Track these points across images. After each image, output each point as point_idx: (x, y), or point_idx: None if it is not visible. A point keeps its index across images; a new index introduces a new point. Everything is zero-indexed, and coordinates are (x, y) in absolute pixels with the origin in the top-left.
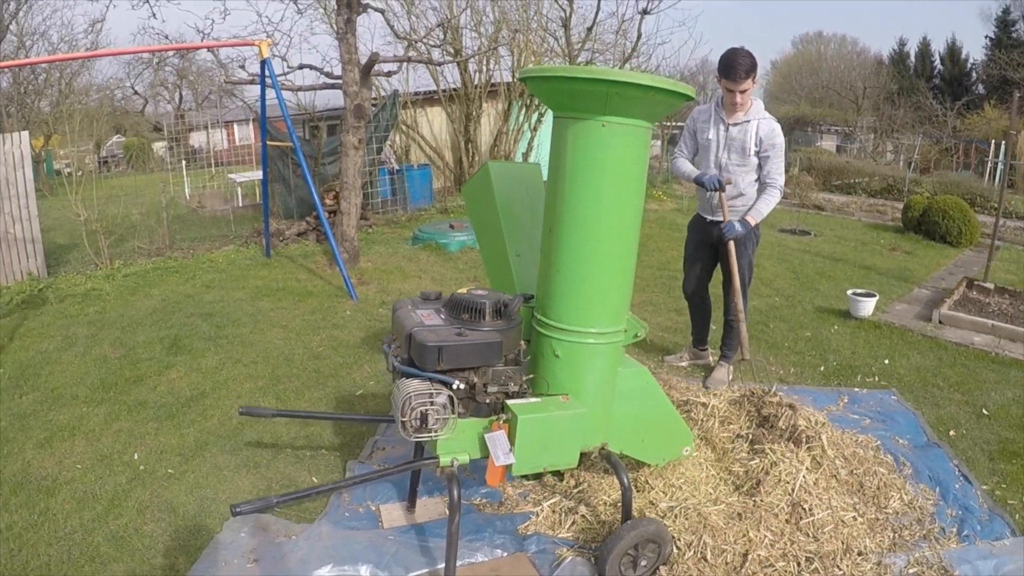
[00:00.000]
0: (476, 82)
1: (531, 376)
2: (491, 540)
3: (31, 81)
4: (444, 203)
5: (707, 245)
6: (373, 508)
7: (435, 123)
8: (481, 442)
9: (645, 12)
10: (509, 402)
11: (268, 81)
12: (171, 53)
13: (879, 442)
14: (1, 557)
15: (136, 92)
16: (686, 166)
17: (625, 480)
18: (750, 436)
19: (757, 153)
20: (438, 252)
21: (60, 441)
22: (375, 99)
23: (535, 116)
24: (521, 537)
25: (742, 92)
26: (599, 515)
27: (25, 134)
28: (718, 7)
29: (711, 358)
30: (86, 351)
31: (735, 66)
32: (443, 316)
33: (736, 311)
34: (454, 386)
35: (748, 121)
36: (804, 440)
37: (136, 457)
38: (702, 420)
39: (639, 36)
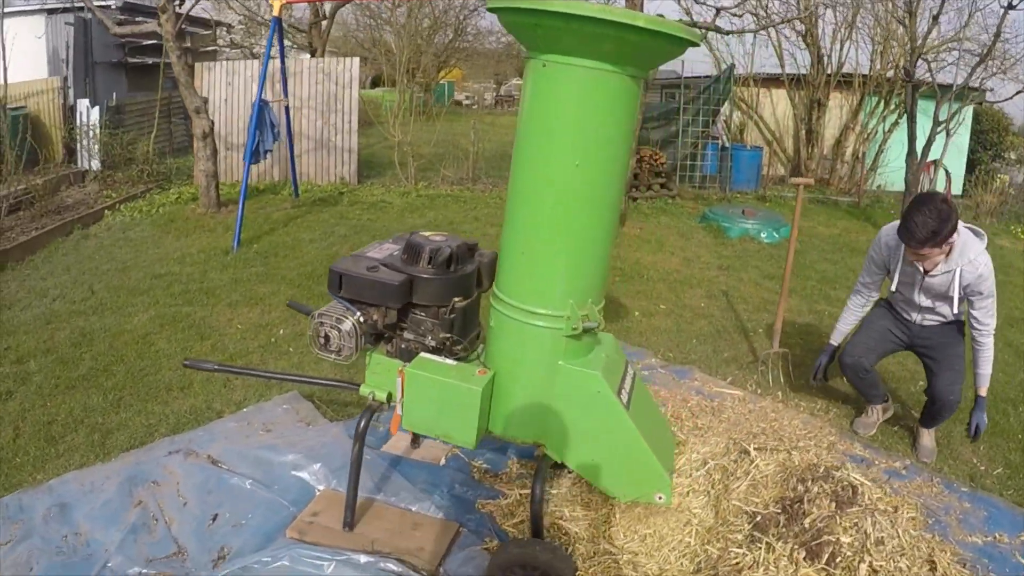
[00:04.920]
0: (829, 70)
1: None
2: (439, 500)
3: (430, 15)
4: (765, 190)
5: (900, 335)
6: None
7: (779, 106)
8: None
9: (1010, 7)
10: (422, 354)
11: None
12: None
13: None
14: (128, 355)
15: None
16: (848, 318)
17: (537, 491)
18: (757, 517)
19: (962, 299)
20: (716, 235)
21: (243, 306)
22: (707, 75)
23: (892, 117)
24: (473, 511)
25: (921, 256)
26: (554, 520)
27: (356, 60)
28: None
29: (892, 408)
30: (327, 247)
31: (911, 230)
32: (395, 253)
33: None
34: (356, 316)
35: (949, 271)
36: (826, 556)
37: (281, 333)
38: (738, 475)
39: (998, 33)
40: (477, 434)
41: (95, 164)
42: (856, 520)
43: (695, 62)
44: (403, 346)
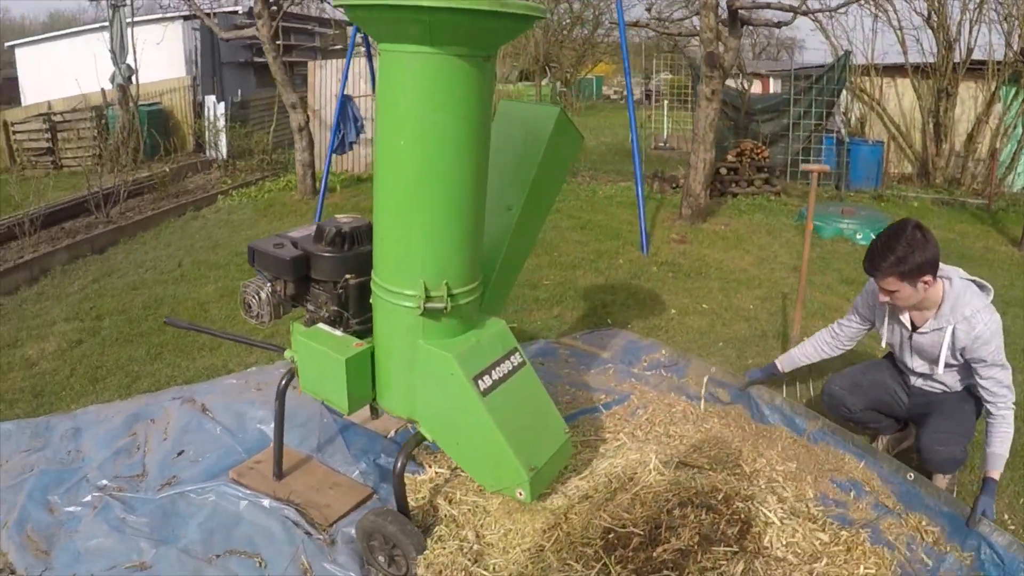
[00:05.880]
0: (957, 56)
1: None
2: (364, 467)
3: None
4: (882, 190)
5: (900, 393)
6: None
7: (905, 98)
8: None
9: None
10: (319, 324)
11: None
12: None
13: None
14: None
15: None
16: (806, 348)
17: (398, 465)
18: (610, 534)
19: (961, 365)
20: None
21: None
22: (820, 65)
23: None
24: (390, 481)
25: (889, 292)
26: (440, 502)
27: None
28: None
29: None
30: None
31: (871, 252)
32: (311, 233)
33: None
34: (267, 287)
35: (940, 329)
36: None
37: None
38: (627, 487)
39: None
40: (350, 402)
41: (220, 154)
42: (722, 562)
43: (811, 50)
44: (307, 316)
